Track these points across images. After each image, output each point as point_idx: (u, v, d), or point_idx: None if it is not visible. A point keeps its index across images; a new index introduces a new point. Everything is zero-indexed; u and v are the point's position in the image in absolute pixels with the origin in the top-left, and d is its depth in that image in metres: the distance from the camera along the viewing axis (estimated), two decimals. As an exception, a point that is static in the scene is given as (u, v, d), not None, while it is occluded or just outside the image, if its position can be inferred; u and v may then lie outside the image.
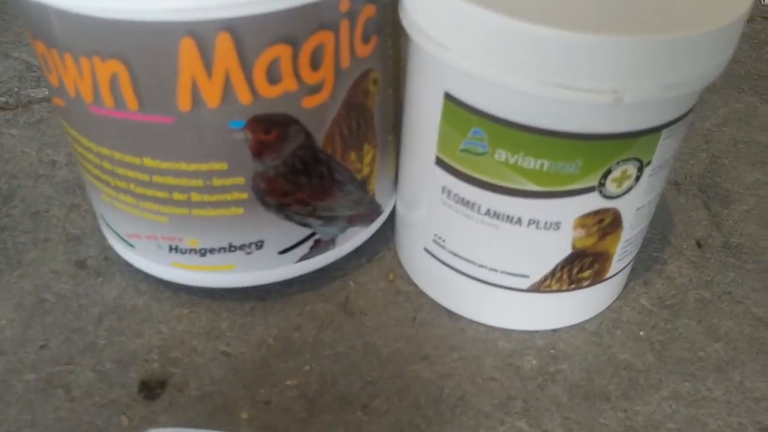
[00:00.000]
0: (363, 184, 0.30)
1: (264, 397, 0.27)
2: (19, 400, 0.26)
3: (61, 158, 0.37)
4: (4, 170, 0.36)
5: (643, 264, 0.33)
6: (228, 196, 0.27)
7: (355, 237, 0.31)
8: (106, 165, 0.27)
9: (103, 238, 0.32)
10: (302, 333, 0.29)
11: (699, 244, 0.35)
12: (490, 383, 0.28)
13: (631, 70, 0.21)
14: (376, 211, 0.32)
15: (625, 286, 0.32)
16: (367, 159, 0.29)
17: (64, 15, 0.23)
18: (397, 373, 0.28)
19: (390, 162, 0.32)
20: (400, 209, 0.32)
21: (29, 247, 0.32)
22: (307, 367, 0.28)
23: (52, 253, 0.32)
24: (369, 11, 0.25)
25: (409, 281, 0.32)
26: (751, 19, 0.55)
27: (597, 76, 0.22)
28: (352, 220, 0.30)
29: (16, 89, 0.41)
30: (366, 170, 0.30)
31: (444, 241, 0.29)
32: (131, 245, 0.29)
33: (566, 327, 0.30)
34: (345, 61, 0.26)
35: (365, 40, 0.26)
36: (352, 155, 0.28)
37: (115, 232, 0.30)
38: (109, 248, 0.32)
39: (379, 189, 0.31)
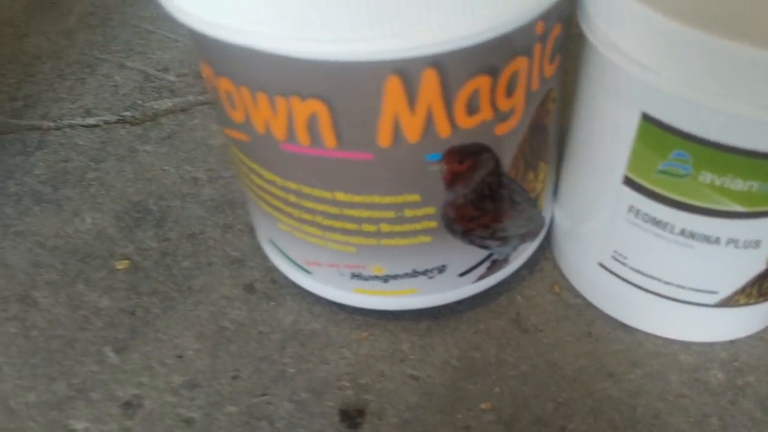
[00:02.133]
0: (535, 201, 0.29)
1: (463, 423, 0.27)
2: (226, 436, 0.27)
3: (201, 175, 0.37)
4: (150, 190, 0.36)
5: (811, 262, 0.32)
6: (418, 226, 0.26)
7: (525, 252, 0.31)
8: (292, 198, 0.26)
9: (264, 260, 0.33)
10: (483, 353, 0.29)
11: None
12: (681, 400, 0.28)
13: None
14: (542, 224, 0.31)
15: (797, 288, 0.32)
16: (541, 176, 0.29)
17: (264, 56, 0.22)
18: (586, 392, 0.28)
19: (554, 175, 0.31)
20: (564, 222, 0.31)
21: (195, 272, 0.32)
22: (496, 389, 0.28)
23: (218, 278, 0.32)
24: (557, 30, 0.25)
25: (576, 294, 0.31)
26: None
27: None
28: (524, 237, 0.30)
29: (139, 102, 0.41)
30: (539, 187, 0.29)
31: (626, 258, 0.28)
32: (308, 272, 0.29)
33: (744, 338, 0.30)
34: (534, 84, 0.25)
35: (552, 60, 0.25)
36: (530, 175, 0.28)
37: (290, 259, 0.30)
38: (274, 270, 0.32)
39: (545, 203, 0.31)
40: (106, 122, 0.40)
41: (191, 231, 0.34)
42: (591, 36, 0.25)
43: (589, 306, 0.31)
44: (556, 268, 0.33)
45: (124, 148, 0.38)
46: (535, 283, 0.32)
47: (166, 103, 0.41)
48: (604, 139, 0.27)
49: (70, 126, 0.40)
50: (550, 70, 0.26)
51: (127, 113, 0.41)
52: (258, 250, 0.33)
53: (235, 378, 0.28)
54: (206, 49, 0.24)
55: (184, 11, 0.23)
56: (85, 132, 0.40)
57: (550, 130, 0.28)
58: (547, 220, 0.32)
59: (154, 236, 0.34)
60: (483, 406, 0.27)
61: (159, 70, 0.44)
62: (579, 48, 0.27)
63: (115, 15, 0.50)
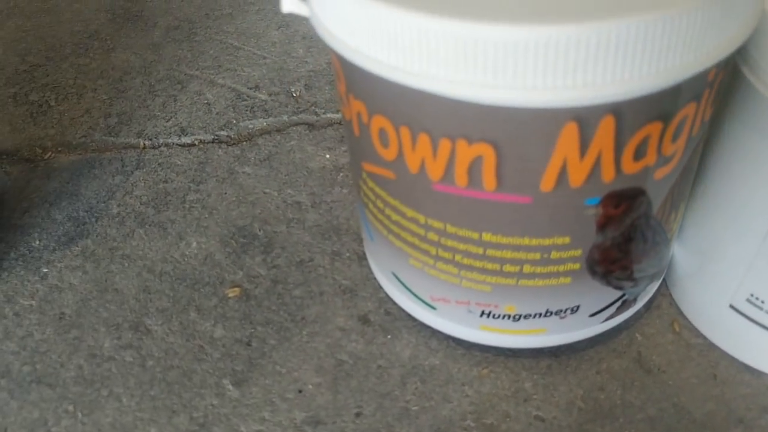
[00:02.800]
0: (670, 241, 0.29)
1: (600, 470, 0.26)
2: (362, 477, 0.26)
3: (304, 199, 0.36)
4: (254, 214, 0.36)
5: None
6: (561, 268, 0.26)
7: (651, 291, 0.30)
8: (432, 236, 0.26)
9: (376, 290, 0.32)
10: (608, 394, 0.29)
11: None
12: (820, 450, 0.27)
13: None
14: (668, 263, 0.31)
15: None
16: (679, 216, 0.28)
17: (438, 100, 0.22)
18: (721, 439, 0.27)
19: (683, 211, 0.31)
20: (690, 261, 0.31)
21: (307, 301, 0.32)
22: (628, 434, 0.27)
23: (332, 308, 0.31)
24: (723, 74, 0.24)
25: (697, 333, 0.31)
26: None
27: None
28: (654, 277, 0.29)
29: (234, 121, 0.41)
30: (675, 227, 0.28)
31: (763, 302, 0.28)
32: (432, 307, 0.29)
33: None
34: (696, 128, 0.24)
35: (713, 104, 0.25)
36: (672, 215, 0.27)
37: (413, 293, 0.29)
38: (387, 301, 0.32)
39: (674, 241, 0.30)
40: (202, 141, 0.40)
41: (300, 258, 0.34)
42: (754, 80, 0.24)
43: (712, 346, 0.30)
44: (674, 305, 0.32)
45: (224, 170, 0.38)
46: (653, 320, 0.31)
47: (261, 123, 0.41)
48: (755, 181, 0.26)
49: (167, 145, 0.39)
50: (709, 113, 0.25)
51: (223, 132, 0.40)
52: (369, 280, 0.33)
53: (358, 415, 0.28)
54: (364, 86, 0.24)
55: (348, 47, 0.22)
56: (182, 151, 0.39)
57: (694, 171, 0.28)
58: (670, 258, 0.32)
59: (263, 263, 0.33)
60: (618, 451, 0.27)
61: (250, 88, 0.43)
62: (729, 90, 0.26)
63: (200, 29, 0.49)
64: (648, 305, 0.32)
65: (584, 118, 0.21)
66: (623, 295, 0.28)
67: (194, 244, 0.34)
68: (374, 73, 0.22)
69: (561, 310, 0.28)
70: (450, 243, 0.26)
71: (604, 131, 0.22)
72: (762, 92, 0.24)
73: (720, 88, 0.25)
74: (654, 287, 0.31)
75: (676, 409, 0.28)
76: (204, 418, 0.28)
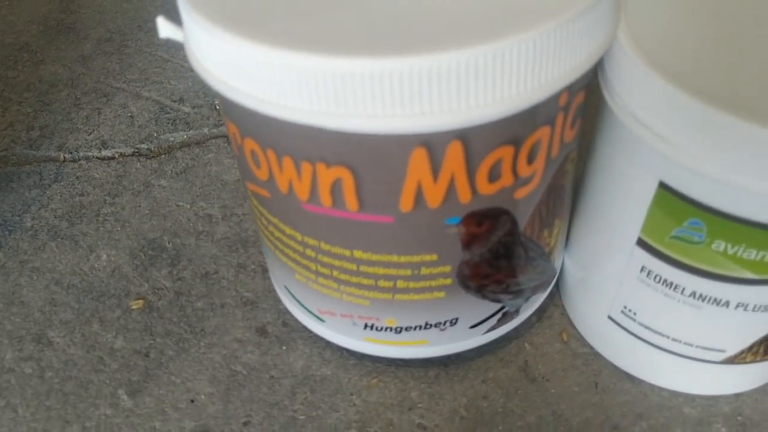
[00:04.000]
0: (548, 256, 0.30)
1: (471, 477, 0.27)
2: (240, 486, 0.27)
3: (215, 212, 0.37)
4: (165, 227, 0.36)
5: (815, 316, 0.33)
6: (433, 283, 0.27)
7: (535, 303, 0.31)
8: (310, 253, 0.27)
9: (276, 302, 0.33)
10: (491, 402, 0.30)
11: None
12: (686, 456, 0.28)
13: None
14: (553, 275, 0.32)
15: (800, 342, 0.32)
16: (555, 232, 0.29)
17: (294, 126, 0.23)
18: (593, 446, 0.28)
19: (566, 227, 0.32)
20: (575, 273, 0.32)
21: (208, 313, 0.33)
22: (505, 442, 0.28)
23: (231, 320, 0.32)
24: (580, 98, 0.25)
25: (584, 342, 0.32)
26: None
27: None
28: (536, 289, 0.30)
29: (155, 134, 0.42)
30: (552, 242, 0.29)
31: (635, 314, 0.29)
32: (321, 320, 0.30)
33: (749, 391, 0.31)
34: (555, 150, 0.25)
35: (573, 126, 0.26)
36: (545, 232, 0.28)
37: (303, 306, 0.30)
38: (286, 313, 0.33)
39: (557, 255, 0.31)
40: (121, 154, 0.41)
41: (205, 270, 0.34)
42: (612, 104, 0.25)
43: (597, 355, 0.32)
44: (564, 315, 0.33)
45: (140, 183, 0.39)
46: (543, 330, 0.33)
47: (182, 136, 0.42)
48: (620, 201, 0.27)
49: (87, 158, 0.40)
50: (570, 135, 0.26)
51: (143, 145, 0.41)
52: (270, 292, 0.34)
53: (246, 424, 0.29)
54: (234, 111, 0.25)
55: (214, 76, 0.23)
56: (101, 165, 0.40)
57: (567, 189, 0.29)
58: (558, 269, 0.33)
59: (169, 275, 0.34)
60: (492, 458, 0.28)
61: (174, 101, 0.44)
62: (597, 109, 0.27)
63: (131, 41, 0.50)
64: (539, 315, 0.33)
65: (431, 144, 0.22)
66: (503, 308, 0.30)
67: (104, 257, 0.35)
68: (233, 100, 0.23)
69: (440, 323, 0.29)
70: (326, 260, 0.27)
71: (453, 156, 0.23)
72: (620, 117, 0.25)
73: (579, 110, 0.26)
74: (540, 298, 0.32)
75: (555, 416, 0.29)
76: (96, 428, 0.29)
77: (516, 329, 0.32)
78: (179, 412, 0.29)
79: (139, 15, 0.52)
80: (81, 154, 0.41)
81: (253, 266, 0.35)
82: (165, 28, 0.26)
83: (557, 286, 0.34)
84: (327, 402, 0.29)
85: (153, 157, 0.40)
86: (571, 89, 0.24)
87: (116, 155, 0.41)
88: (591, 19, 0.22)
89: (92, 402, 0.30)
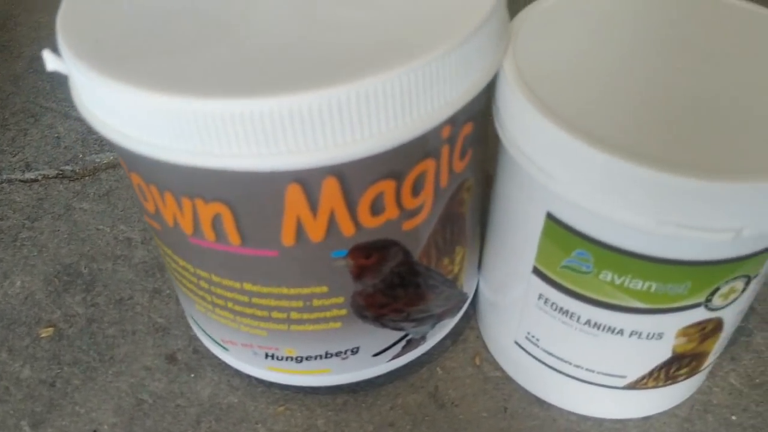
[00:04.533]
0: (454, 282, 0.30)
1: None
2: None
3: (135, 235, 0.37)
4: (82, 252, 0.36)
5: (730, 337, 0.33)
6: (327, 314, 0.27)
7: (444, 328, 0.31)
8: (204, 284, 0.27)
9: (188, 328, 0.33)
10: (397, 429, 0.29)
11: (783, 311, 0.34)
12: (588, 483, 0.28)
13: (753, 210, 0.21)
14: (463, 300, 0.32)
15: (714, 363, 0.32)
16: (458, 258, 0.29)
17: (168, 164, 0.22)
18: (496, 474, 0.28)
19: (476, 252, 0.31)
20: (487, 296, 0.32)
21: (119, 341, 0.32)
22: (406, 471, 0.28)
23: (141, 347, 0.32)
24: (467, 129, 0.25)
25: (496, 366, 0.32)
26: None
27: (717, 217, 0.21)
28: (442, 316, 0.30)
29: (80, 155, 0.41)
30: (456, 269, 0.29)
31: (538, 340, 0.29)
32: (225, 348, 0.30)
33: (658, 414, 0.31)
34: (444, 181, 0.25)
35: (462, 156, 0.25)
36: (446, 260, 0.28)
37: (208, 335, 0.30)
38: (197, 341, 0.32)
39: (466, 280, 0.31)
40: (45, 177, 0.40)
41: (120, 296, 0.34)
42: (502, 135, 0.25)
43: (508, 379, 0.31)
44: (479, 338, 0.33)
45: (61, 206, 0.38)
46: (457, 354, 0.32)
47: (107, 157, 0.41)
48: (516, 230, 0.27)
49: (9, 181, 0.40)
50: (460, 166, 0.26)
51: (67, 167, 0.41)
52: (183, 318, 0.33)
53: (148, 456, 0.29)
54: (116, 148, 0.25)
55: (90, 112, 0.23)
56: (23, 187, 0.40)
57: (467, 217, 0.28)
58: (471, 294, 0.33)
59: (82, 301, 0.34)
60: (392, 489, 0.28)
61: (102, 120, 0.44)
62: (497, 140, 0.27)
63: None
64: (455, 338, 0.33)
65: (305, 180, 0.22)
66: (406, 335, 0.29)
67: (18, 283, 0.35)
68: (108, 137, 0.23)
69: (341, 352, 0.28)
70: (219, 291, 0.27)
71: (330, 191, 0.23)
72: (508, 150, 0.25)
73: (469, 141, 0.26)
74: (450, 323, 0.32)
75: (461, 443, 0.29)
76: (-4, 463, 0.29)
77: (429, 354, 0.32)
78: (81, 444, 0.29)
79: (76, 31, 0.52)
80: (4, 176, 0.40)
81: (168, 291, 0.34)
82: (51, 62, 0.25)
83: (474, 307, 0.34)
84: (231, 431, 0.29)
85: (77, 179, 0.40)
86: (453, 122, 0.24)
87: (39, 177, 0.40)
88: (464, 55, 0.22)
89: (-7, 435, 0.29)
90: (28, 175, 0.40)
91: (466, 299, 0.32)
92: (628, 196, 0.22)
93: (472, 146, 0.26)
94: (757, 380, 0.31)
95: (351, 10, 0.23)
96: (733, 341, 0.33)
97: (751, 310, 0.34)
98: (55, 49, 0.50)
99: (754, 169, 0.21)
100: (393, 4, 0.23)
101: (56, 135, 0.43)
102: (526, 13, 0.27)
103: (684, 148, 0.21)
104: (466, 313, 0.34)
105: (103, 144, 0.42)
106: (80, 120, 0.44)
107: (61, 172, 0.40)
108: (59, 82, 0.47)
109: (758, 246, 0.23)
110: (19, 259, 0.36)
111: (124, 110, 0.21)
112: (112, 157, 0.41)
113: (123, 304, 0.34)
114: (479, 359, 0.32)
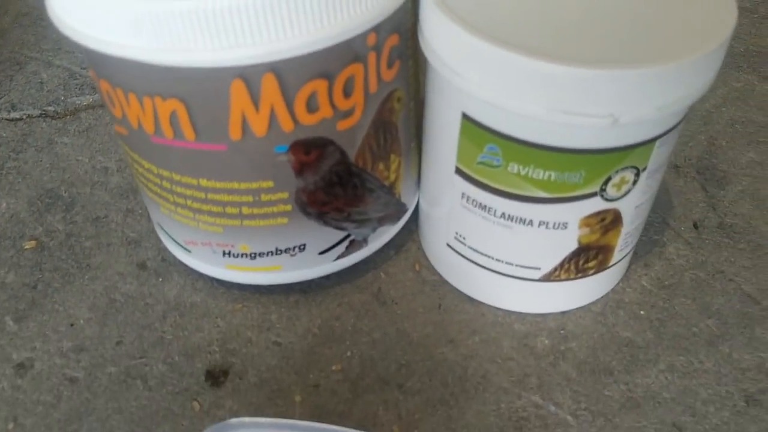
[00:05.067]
0: (390, 189, 0.33)
1: (313, 381, 0.31)
2: (105, 391, 0.30)
3: (112, 165, 0.41)
4: (62, 179, 0.40)
5: (645, 247, 0.37)
6: (274, 209, 0.30)
7: (385, 234, 0.35)
8: (166, 184, 0.30)
9: (158, 241, 0.36)
10: (342, 322, 0.33)
11: (696, 226, 0.38)
12: (508, 362, 0.32)
13: (625, 97, 0.25)
14: (402, 210, 0.35)
15: (628, 269, 0.36)
16: (394, 166, 0.33)
17: (129, 63, 0.26)
18: (427, 355, 0.32)
19: (413, 165, 0.35)
20: (423, 207, 0.35)
21: (95, 251, 0.36)
22: (348, 353, 0.32)
23: (115, 257, 0.36)
24: (393, 40, 0.29)
25: (434, 271, 0.36)
26: (752, -6, 0.57)
27: (596, 103, 0.25)
28: (382, 221, 0.34)
29: (62, 98, 0.45)
30: (393, 176, 0.33)
31: (464, 238, 0.32)
32: (188, 250, 0.33)
33: (575, 309, 0.34)
34: (373, 87, 0.29)
35: (390, 65, 0.29)
36: (381, 165, 0.32)
37: (173, 239, 0.33)
38: (166, 250, 0.36)
39: (404, 190, 0.35)
40: (29, 116, 0.44)
41: (96, 215, 0.38)
42: (423, 45, 0.29)
43: (444, 282, 0.35)
44: (420, 249, 0.37)
45: (44, 140, 0.42)
46: (399, 262, 0.36)
47: (87, 99, 0.45)
48: (440, 135, 0.31)
49: (-5, 119, 0.43)
50: (389, 74, 0.30)
51: (50, 108, 0.44)
52: (153, 233, 0.37)
53: (118, 343, 0.32)
54: (88, 56, 0.28)
55: (63, 23, 0.26)
56: (9, 125, 0.43)
57: (399, 126, 0.32)
58: (411, 206, 0.36)
59: (62, 220, 0.37)
60: (334, 367, 0.31)
61: (84, 68, 0.47)
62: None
63: (46, 15, 0.53)
64: (397, 249, 0.37)
65: (247, 76, 0.26)
66: (348, 236, 0.33)
67: (3, 205, 0.38)
68: (80, 42, 0.26)
69: (289, 248, 0.32)
70: (179, 190, 0.30)
71: (269, 87, 0.26)
72: (425, 54, 0.29)
73: (396, 52, 0.29)
74: (390, 230, 0.35)
75: (399, 332, 0.33)
76: (-18, 349, 0.32)
77: (374, 262, 0.36)
78: (59, 335, 0.32)
79: (60, -8, 0.55)
80: (-9, 116, 0.44)
81: (140, 211, 0.38)
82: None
83: (416, 223, 0.38)
84: (193, 324, 0.33)
85: (59, 118, 0.44)
86: (379, 30, 0.27)
87: (24, 117, 0.44)
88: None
89: (-20, 327, 0.33)
90: (14, 115, 0.44)
91: (405, 210, 0.36)
92: (522, 88, 0.25)
93: (400, 58, 0.30)
94: (666, 282, 0.35)
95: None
96: (648, 251, 0.37)
97: (665, 225, 0.38)
98: (39, 6, 0.54)
99: (626, 60, 0.24)
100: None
101: (40, 80, 0.46)
102: (448, -56, 0.31)
103: (570, 46, 0.25)
104: (409, 228, 0.37)
105: (84, 87, 0.46)
106: (63, 68, 0.48)
107: (44, 112, 0.44)
108: (43, 35, 0.51)
109: (639, 136, 0.27)
110: (4, 185, 0.39)
111: (91, 14, 0.25)
112: (91, 100, 0.45)
113: (99, 221, 0.37)
114: (419, 266, 0.36)
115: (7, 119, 0.43)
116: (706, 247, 0.37)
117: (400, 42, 0.29)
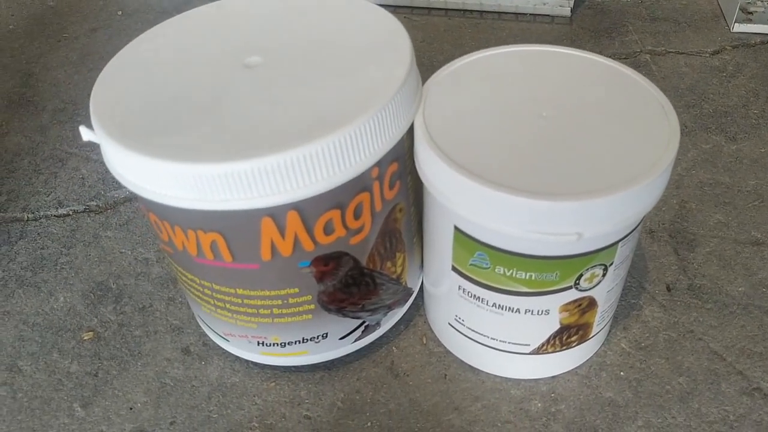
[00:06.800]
0: (398, 280, 0.38)
1: (340, 453, 0.36)
2: (165, 470, 0.36)
3: (151, 256, 0.46)
4: (110, 271, 0.45)
5: (623, 311, 0.42)
6: (300, 309, 0.36)
7: (395, 316, 0.40)
8: (207, 291, 0.36)
9: (198, 327, 0.42)
10: (362, 395, 0.38)
11: (668, 288, 0.43)
12: (506, 426, 0.37)
13: (588, 219, 0.30)
14: (409, 293, 0.40)
15: (609, 332, 0.41)
16: (399, 261, 0.38)
17: (176, 207, 0.31)
18: (437, 422, 0.37)
19: (416, 255, 0.40)
20: (428, 289, 0.41)
21: (144, 339, 0.41)
22: (368, 424, 0.37)
23: (162, 343, 0.41)
24: (393, 167, 0.34)
25: (439, 343, 0.41)
26: (719, 50, 0.62)
27: (563, 225, 0.30)
28: (392, 306, 0.39)
29: (102, 192, 0.50)
30: (399, 270, 0.38)
31: (463, 320, 0.38)
32: (227, 340, 0.39)
33: (563, 373, 0.39)
34: (378, 206, 0.34)
35: (391, 187, 0.34)
36: (388, 263, 0.37)
37: (213, 330, 0.39)
38: (205, 336, 0.41)
39: (409, 278, 0.40)
40: (75, 212, 0.49)
41: (142, 305, 0.43)
42: (419, 173, 0.34)
43: (448, 353, 0.40)
44: (426, 323, 0.42)
45: (90, 235, 0.48)
46: (408, 336, 0.41)
47: (124, 192, 0.51)
48: (437, 239, 0.36)
49: (46, 216, 0.49)
50: (391, 194, 0.35)
51: (93, 203, 0.50)
52: (193, 319, 0.42)
53: (172, 423, 0.37)
54: (138, 197, 0.34)
55: (120, 175, 0.32)
56: (58, 221, 0.49)
57: (402, 230, 0.37)
58: (416, 288, 0.42)
59: (113, 310, 0.43)
60: (357, 437, 0.37)
61: (118, 161, 0.53)
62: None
63: (82, 110, 0.59)
64: (407, 324, 0.42)
65: (275, 214, 0.31)
66: (364, 322, 0.38)
67: (61, 299, 0.44)
68: (133, 190, 0.32)
69: (314, 337, 0.37)
70: (219, 296, 0.36)
71: (293, 220, 0.32)
72: (422, 179, 0.34)
73: (396, 176, 0.34)
74: (400, 311, 0.40)
75: (411, 402, 0.38)
76: (57, 435, 0.38)
77: (387, 336, 0.41)
78: (121, 418, 0.38)
79: (89, 85, 0.61)
80: (41, 213, 0.49)
81: (180, 299, 0.43)
82: (86, 134, 0.34)
83: (422, 299, 0.43)
84: (235, 402, 0.38)
85: (101, 212, 0.49)
86: (379, 165, 0.32)
87: (70, 212, 0.49)
88: (379, 120, 0.31)
89: (53, 414, 0.38)
90: (61, 211, 0.49)
91: (412, 293, 0.41)
92: (503, 214, 0.30)
93: (399, 179, 0.35)
94: (643, 344, 0.40)
95: (298, 91, 0.32)
96: (626, 315, 0.42)
97: (641, 289, 0.43)
98: (74, 101, 0.59)
99: (587, 190, 0.29)
100: (330, 83, 0.32)
101: (81, 176, 0.52)
102: (435, 77, 0.36)
103: (541, 178, 0.30)
104: (416, 303, 0.42)
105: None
106: (100, 162, 0.53)
107: (87, 207, 0.50)
108: (79, 130, 0.56)
109: (600, 244, 0.32)
110: (60, 280, 0.45)
111: (144, 173, 0.30)
112: (128, 193, 0.50)
113: (145, 311, 0.43)
114: (425, 339, 0.41)
115: (56, 215, 0.49)
116: (677, 309, 0.42)
117: (399, 167, 0.34)
